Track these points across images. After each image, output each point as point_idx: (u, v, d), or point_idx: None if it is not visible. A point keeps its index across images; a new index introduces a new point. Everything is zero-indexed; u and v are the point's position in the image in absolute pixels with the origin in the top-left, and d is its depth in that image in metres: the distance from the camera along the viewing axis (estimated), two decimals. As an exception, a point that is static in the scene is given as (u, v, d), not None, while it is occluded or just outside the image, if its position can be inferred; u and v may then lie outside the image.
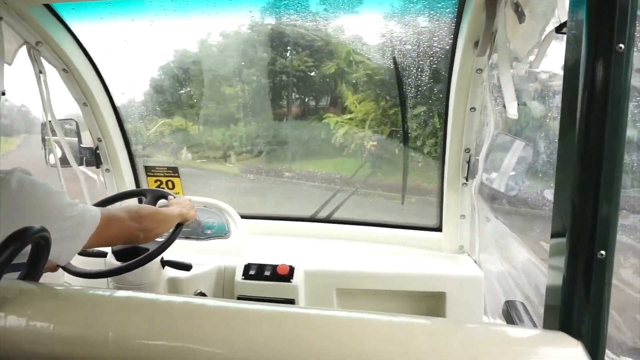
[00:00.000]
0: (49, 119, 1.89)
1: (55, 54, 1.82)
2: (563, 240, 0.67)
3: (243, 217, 2.14)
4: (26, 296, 0.63)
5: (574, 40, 0.66)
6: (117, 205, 1.73)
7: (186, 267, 1.69)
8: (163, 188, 2.34)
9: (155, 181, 2.34)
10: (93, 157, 2.17)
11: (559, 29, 0.91)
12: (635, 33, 0.61)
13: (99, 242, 1.07)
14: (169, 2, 1.64)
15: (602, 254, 0.62)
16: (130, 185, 2.32)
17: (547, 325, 0.73)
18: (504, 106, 1.28)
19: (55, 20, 1.75)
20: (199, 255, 1.96)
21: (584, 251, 0.64)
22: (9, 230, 0.83)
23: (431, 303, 1.88)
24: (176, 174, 2.32)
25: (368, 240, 2.23)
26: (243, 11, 1.66)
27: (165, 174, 2.32)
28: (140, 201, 1.77)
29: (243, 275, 1.83)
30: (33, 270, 0.72)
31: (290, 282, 1.79)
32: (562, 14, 0.90)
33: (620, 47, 0.58)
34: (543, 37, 1.11)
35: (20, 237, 0.65)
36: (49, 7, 1.71)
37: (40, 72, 1.76)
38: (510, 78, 1.26)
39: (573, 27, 0.66)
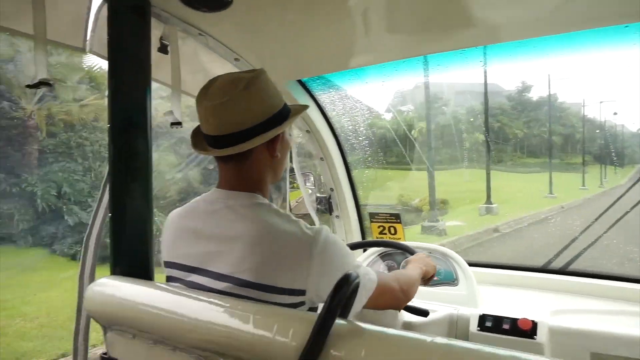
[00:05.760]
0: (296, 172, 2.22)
1: (302, 119, 2.15)
2: None
3: (470, 264, 2.09)
4: (358, 337, 0.73)
5: None
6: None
7: (424, 312, 1.70)
8: (385, 234, 2.46)
9: (379, 227, 2.48)
10: (327, 205, 2.44)
11: None
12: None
13: (369, 306, 1.12)
14: (401, 63, 1.79)
15: None
16: (356, 231, 2.50)
17: None
18: None
19: (304, 90, 2.07)
20: (426, 301, 1.97)
21: None
22: (318, 282, 0.99)
23: None
24: (398, 220, 2.42)
25: (617, 298, 1.92)
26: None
27: (388, 220, 2.44)
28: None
29: (479, 327, 1.76)
30: (345, 312, 0.83)
31: (534, 339, 1.65)
32: None
33: None
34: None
35: (347, 281, 0.76)
36: (299, 81, 2.04)
37: (290, 135, 2.09)
38: None
39: None
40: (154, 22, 1.34)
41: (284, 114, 1.11)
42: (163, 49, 1.42)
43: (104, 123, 10.82)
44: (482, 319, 1.77)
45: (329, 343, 0.72)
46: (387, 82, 1.94)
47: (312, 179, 2.45)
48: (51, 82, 1.12)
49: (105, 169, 1.38)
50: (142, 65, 1.28)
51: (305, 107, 1.24)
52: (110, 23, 1.24)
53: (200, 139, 1.13)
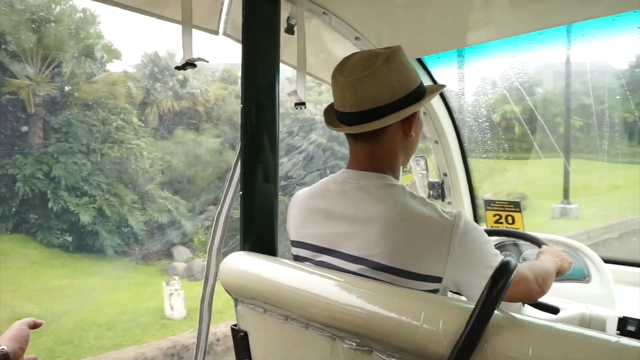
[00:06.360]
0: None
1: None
2: None
3: (605, 261, 1.87)
4: (521, 330, 0.67)
5: None
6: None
7: (554, 310, 1.55)
8: (502, 223, 2.30)
9: (494, 215, 2.32)
10: (439, 191, 2.34)
11: None
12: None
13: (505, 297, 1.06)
14: (534, 35, 1.63)
15: None
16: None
17: None
18: None
19: (423, 69, 1.99)
20: (552, 297, 1.81)
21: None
22: (457, 269, 0.94)
23: None
24: (517, 209, 2.24)
25: None
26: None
27: (506, 209, 2.28)
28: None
29: (618, 330, 1.58)
30: (499, 303, 0.77)
31: (692, 349, 1.43)
32: None
33: None
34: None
35: (507, 269, 0.70)
36: (418, 59, 1.96)
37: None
38: None
39: None
40: (282, 4, 1.35)
41: (421, 92, 1.06)
42: (289, 30, 1.43)
43: (118, 102, 10.54)
44: (623, 322, 1.59)
45: (485, 336, 0.67)
46: (517, 56, 1.78)
47: (422, 163, 2.36)
48: (196, 63, 1.18)
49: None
50: (272, 46, 1.30)
51: (443, 86, 1.18)
52: (244, 6, 1.27)
53: (332, 117, 1.12)
